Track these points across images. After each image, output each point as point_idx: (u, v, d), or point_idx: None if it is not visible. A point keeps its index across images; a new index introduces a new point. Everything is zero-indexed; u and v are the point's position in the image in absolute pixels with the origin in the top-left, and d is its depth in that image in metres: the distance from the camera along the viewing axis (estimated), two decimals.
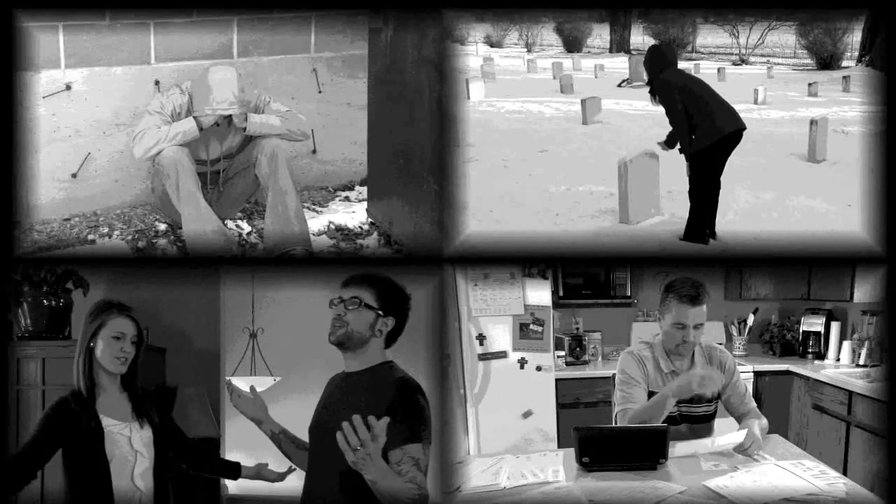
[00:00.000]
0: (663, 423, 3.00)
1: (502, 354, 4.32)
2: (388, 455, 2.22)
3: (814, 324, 5.37)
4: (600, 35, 14.38)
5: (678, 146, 4.26)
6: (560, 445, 4.12)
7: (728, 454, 2.89)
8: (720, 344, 4.76)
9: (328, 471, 2.30)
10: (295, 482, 2.58)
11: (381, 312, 2.36)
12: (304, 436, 2.49)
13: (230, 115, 4.05)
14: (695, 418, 3.21)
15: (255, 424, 2.59)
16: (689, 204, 4.25)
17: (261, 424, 2.58)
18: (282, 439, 2.56)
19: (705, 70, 11.77)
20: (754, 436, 2.93)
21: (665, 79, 4.21)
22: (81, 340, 2.60)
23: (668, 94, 4.18)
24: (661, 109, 4.29)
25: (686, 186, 4.24)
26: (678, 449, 2.88)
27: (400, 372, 2.35)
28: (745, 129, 4.17)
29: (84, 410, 2.52)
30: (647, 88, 4.31)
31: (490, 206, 4.90)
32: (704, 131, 4.12)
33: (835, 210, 4.97)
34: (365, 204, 4.61)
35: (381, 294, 2.37)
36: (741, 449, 2.90)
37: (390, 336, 2.40)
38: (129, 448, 2.56)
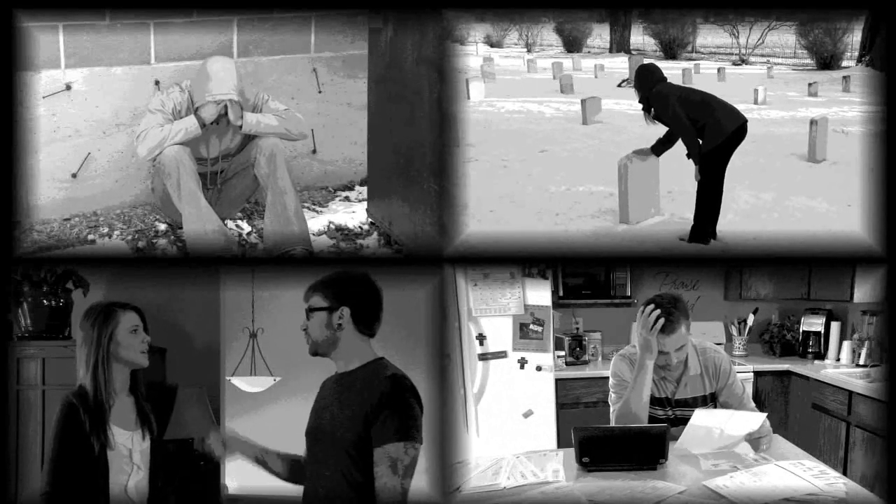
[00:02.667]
0: (660, 424, 3.01)
1: (502, 354, 4.32)
2: (374, 451, 2.23)
3: (814, 324, 5.37)
4: (600, 35, 14.39)
5: (663, 151, 4.37)
6: (560, 445, 4.12)
7: (729, 454, 2.89)
8: (720, 344, 4.74)
9: (328, 473, 2.30)
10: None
11: (331, 307, 2.36)
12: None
13: (227, 113, 4.05)
14: None
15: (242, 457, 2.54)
16: (693, 205, 4.23)
17: (243, 455, 2.53)
18: (266, 460, 2.51)
19: (705, 70, 11.78)
20: (768, 425, 2.94)
21: (659, 90, 4.22)
22: (94, 349, 2.53)
23: (666, 104, 4.18)
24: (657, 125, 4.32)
25: (687, 187, 4.24)
26: (694, 421, 2.84)
27: (393, 369, 2.34)
28: (746, 121, 4.18)
29: (93, 420, 2.47)
30: (641, 107, 4.30)
31: (490, 206, 4.90)
32: (711, 132, 4.12)
33: (835, 210, 4.97)
34: (365, 204, 4.61)
35: (328, 291, 2.37)
36: (754, 437, 2.91)
37: (362, 323, 2.37)
38: (129, 460, 2.55)
